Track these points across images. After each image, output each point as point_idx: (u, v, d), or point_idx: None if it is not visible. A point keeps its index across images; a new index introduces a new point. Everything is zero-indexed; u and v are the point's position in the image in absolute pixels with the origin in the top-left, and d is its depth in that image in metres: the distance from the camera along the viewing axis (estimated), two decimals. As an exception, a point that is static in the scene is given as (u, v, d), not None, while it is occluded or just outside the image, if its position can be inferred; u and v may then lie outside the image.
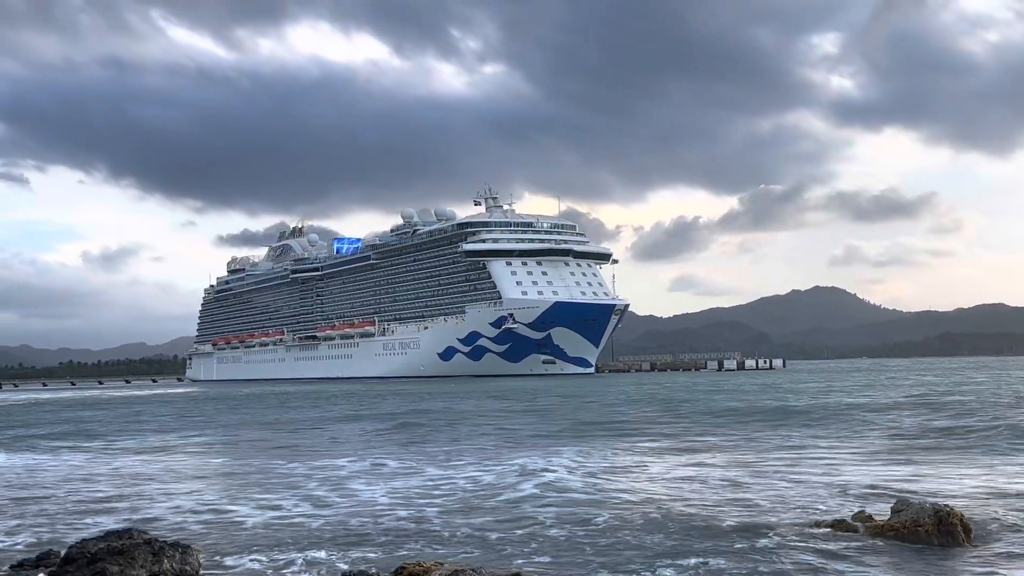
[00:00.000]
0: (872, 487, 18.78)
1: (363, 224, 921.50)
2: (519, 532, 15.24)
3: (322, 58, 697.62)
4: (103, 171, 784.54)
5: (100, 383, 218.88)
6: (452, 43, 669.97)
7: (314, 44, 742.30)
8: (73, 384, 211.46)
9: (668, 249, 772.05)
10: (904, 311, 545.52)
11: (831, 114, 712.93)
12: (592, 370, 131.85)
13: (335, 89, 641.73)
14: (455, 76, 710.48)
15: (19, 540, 15.64)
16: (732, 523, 15.29)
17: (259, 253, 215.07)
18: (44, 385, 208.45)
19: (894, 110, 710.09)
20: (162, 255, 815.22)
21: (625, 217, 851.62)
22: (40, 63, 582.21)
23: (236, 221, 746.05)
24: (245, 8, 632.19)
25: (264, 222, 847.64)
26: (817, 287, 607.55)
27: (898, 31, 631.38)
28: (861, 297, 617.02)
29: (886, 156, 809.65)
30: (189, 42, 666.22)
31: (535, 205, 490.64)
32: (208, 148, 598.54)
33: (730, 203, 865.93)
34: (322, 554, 13.91)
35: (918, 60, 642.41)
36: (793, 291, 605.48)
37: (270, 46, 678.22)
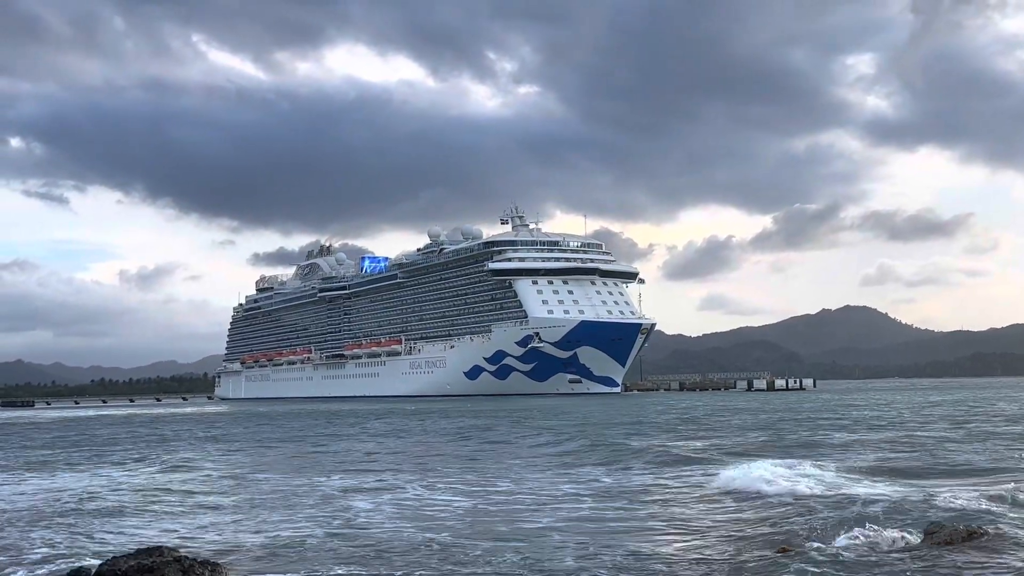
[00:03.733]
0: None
1: (397, 243, 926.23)
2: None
3: (358, 80, 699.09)
4: (141, 191, 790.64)
5: (131, 401, 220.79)
6: (488, 65, 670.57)
7: (351, 66, 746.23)
8: (104, 402, 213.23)
9: (700, 268, 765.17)
10: (936, 331, 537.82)
11: (866, 134, 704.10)
12: (619, 390, 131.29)
13: (371, 110, 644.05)
14: (489, 97, 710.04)
15: (52, 556, 15.77)
16: (759, 543, 15.19)
17: (289, 272, 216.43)
18: (76, 403, 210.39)
19: (929, 129, 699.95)
20: (198, 274, 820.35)
21: (657, 236, 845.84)
22: (81, 85, 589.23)
23: (271, 240, 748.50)
24: (285, 32, 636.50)
25: (298, 241, 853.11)
26: (848, 306, 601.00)
27: (934, 52, 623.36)
28: (893, 317, 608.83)
29: (921, 175, 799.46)
30: (229, 65, 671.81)
31: (567, 224, 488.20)
32: (244, 168, 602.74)
33: (763, 222, 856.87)
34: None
35: (954, 80, 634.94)
36: (823, 310, 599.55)
37: (308, 68, 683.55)
